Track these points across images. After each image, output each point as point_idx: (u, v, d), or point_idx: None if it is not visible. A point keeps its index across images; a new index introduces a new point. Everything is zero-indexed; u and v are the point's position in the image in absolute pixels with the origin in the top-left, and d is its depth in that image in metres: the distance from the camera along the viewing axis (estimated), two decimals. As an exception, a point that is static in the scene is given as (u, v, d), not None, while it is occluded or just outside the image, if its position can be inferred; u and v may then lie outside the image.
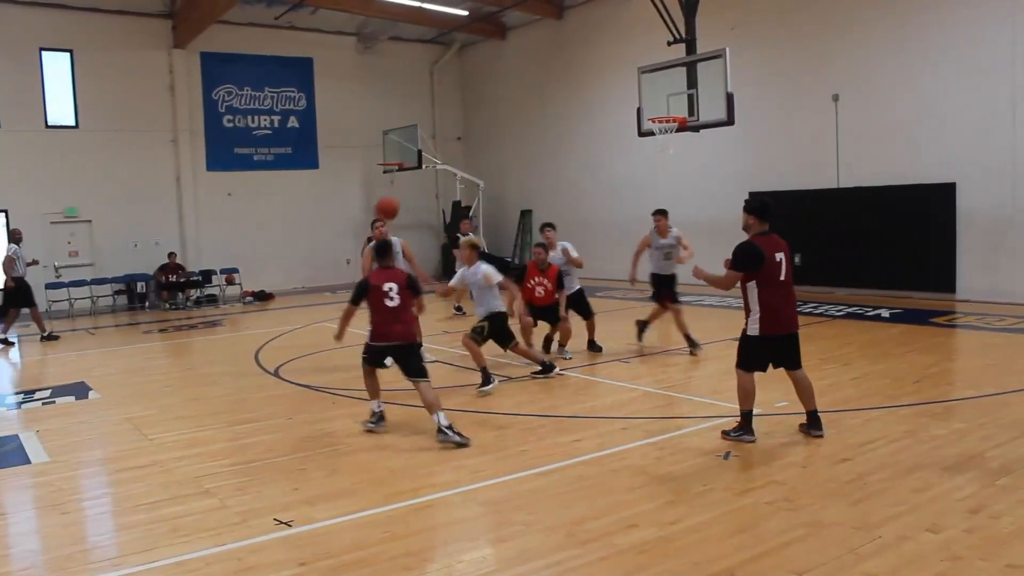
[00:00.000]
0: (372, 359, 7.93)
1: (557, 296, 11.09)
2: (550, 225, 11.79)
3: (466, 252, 9.69)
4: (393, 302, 7.63)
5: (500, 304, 9.71)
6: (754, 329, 6.86)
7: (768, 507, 5.53)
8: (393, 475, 6.62)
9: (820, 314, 14.19)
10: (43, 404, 10.04)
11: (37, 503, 6.55)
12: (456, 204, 25.20)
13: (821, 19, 17.06)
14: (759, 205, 7.06)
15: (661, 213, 11.55)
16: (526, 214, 25.16)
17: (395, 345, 7.70)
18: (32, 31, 20.24)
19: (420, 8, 21.52)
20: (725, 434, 7.05)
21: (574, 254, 11.46)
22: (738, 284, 6.96)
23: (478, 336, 9.47)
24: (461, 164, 25.78)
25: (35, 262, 16.24)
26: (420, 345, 8.30)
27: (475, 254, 9.61)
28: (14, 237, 16.02)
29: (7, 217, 19.96)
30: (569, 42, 23.14)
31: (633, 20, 20.00)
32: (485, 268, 9.52)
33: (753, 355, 6.96)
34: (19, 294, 15.60)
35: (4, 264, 15.58)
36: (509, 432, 7.76)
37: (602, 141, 22.19)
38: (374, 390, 8.03)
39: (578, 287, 11.65)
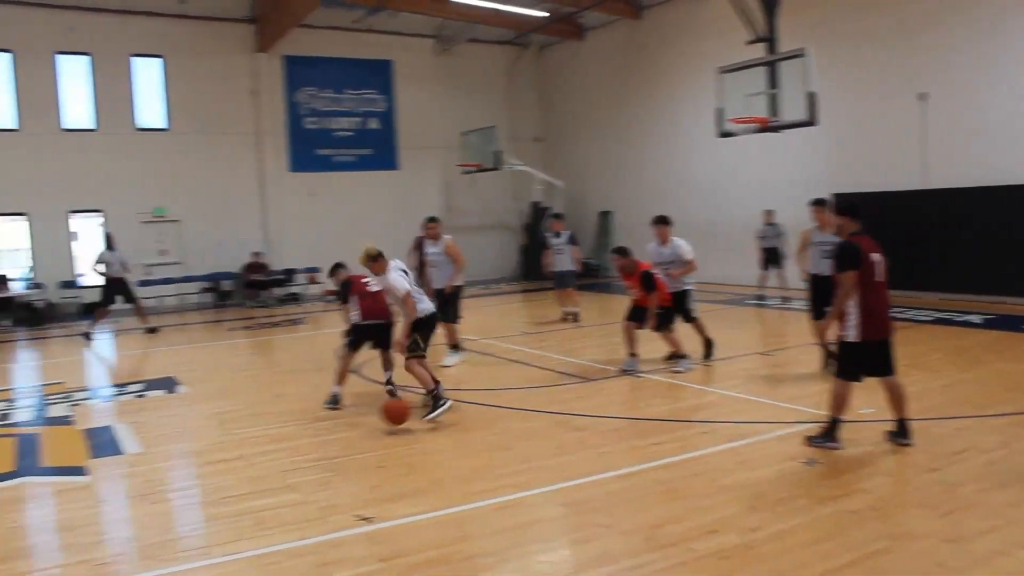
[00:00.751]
0: (357, 342, 9.19)
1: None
2: (662, 220, 10.96)
3: (370, 264, 8.60)
4: (373, 288, 9.04)
5: (428, 306, 8.84)
6: (853, 335, 6.67)
7: (853, 516, 5.40)
8: (472, 474, 6.66)
9: (906, 319, 13.81)
10: (135, 397, 10.37)
11: (130, 492, 6.77)
12: (535, 205, 25.28)
13: (907, 15, 16.61)
14: (850, 205, 6.94)
15: (819, 204, 9.97)
16: (606, 215, 25.08)
17: (377, 323, 9.12)
18: (124, 39, 20.99)
19: (497, 10, 21.61)
20: (809, 440, 6.91)
21: (687, 256, 10.68)
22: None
23: (415, 350, 8.53)
24: (539, 165, 25.81)
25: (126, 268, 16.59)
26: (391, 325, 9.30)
27: (379, 263, 8.57)
28: (108, 242, 16.65)
29: (103, 217, 20.71)
30: (647, 42, 22.99)
31: (712, 19, 19.78)
32: (392, 277, 8.53)
33: (854, 363, 6.80)
34: (115, 291, 16.25)
35: (95, 267, 16.37)
36: (588, 434, 7.74)
37: (682, 142, 21.99)
38: (343, 375, 9.20)
39: (685, 288, 10.79)
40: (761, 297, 17.21)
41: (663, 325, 10.43)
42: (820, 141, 17.56)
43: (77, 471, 7.21)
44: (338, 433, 8.11)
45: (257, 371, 12.71)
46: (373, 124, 24.63)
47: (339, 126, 24.15)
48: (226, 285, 22.24)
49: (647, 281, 10.25)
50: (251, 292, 21.67)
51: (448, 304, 11.42)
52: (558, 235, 15.61)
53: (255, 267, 21.85)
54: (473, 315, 16.12)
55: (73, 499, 6.55)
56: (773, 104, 14.36)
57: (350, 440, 7.83)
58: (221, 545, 5.38)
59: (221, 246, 22.05)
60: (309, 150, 23.70)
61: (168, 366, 12.52)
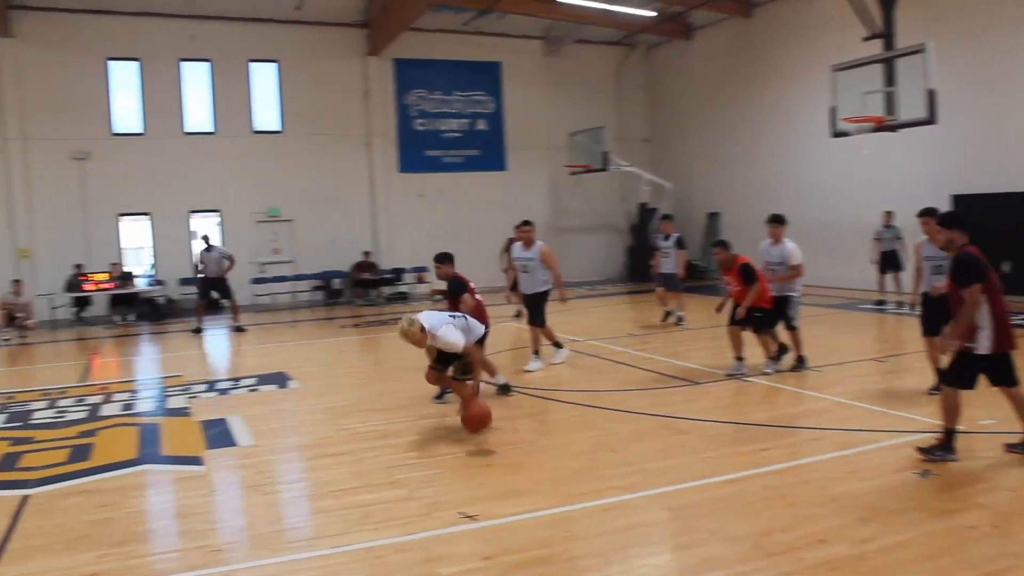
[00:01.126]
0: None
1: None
2: (776, 219, 10.63)
3: (414, 340, 7.87)
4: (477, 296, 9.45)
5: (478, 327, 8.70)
6: (986, 347, 6.39)
7: (972, 532, 5.18)
8: (576, 475, 6.64)
9: (1032, 326, 13.15)
10: (249, 391, 10.71)
11: (242, 483, 6.99)
12: (642, 206, 25.10)
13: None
14: (956, 217, 6.67)
15: (928, 214, 8.81)
16: (713, 216, 24.70)
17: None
18: (242, 45, 21.78)
19: (606, 10, 21.49)
20: (924, 451, 6.65)
21: (794, 261, 10.27)
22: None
23: (465, 373, 8.50)
24: (647, 166, 25.60)
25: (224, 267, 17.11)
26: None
27: (422, 337, 7.86)
28: (206, 244, 17.27)
29: (220, 217, 21.50)
30: (758, 40, 22.52)
31: (826, 15, 19.25)
32: (443, 335, 7.94)
33: (970, 373, 6.53)
34: (211, 287, 17.13)
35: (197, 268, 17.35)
36: (692, 438, 7.64)
37: (793, 142, 21.48)
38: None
39: (789, 295, 10.37)
40: (880, 302, 16.60)
41: (762, 326, 10.21)
42: (940, 140, 16.87)
43: (194, 461, 7.49)
44: (443, 431, 8.21)
45: (365, 368, 12.97)
46: (481, 125, 24.85)
47: (447, 127, 24.46)
48: (336, 283, 22.78)
49: (746, 273, 10.06)
50: (360, 290, 22.14)
51: (536, 309, 11.45)
52: (667, 237, 15.39)
53: (364, 266, 22.31)
54: (578, 316, 16.10)
55: (190, 487, 6.81)
56: (889, 102, 13.90)
57: (455, 438, 7.90)
58: (329, 537, 5.51)
59: (332, 245, 22.58)
60: (418, 151, 24.06)
61: (280, 362, 12.87)
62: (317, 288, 22.58)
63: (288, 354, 13.85)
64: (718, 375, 10.32)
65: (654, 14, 22.41)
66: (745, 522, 5.48)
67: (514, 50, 24.93)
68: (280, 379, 11.37)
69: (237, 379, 11.64)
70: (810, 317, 15.17)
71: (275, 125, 22.42)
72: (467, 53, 24.28)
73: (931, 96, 13.04)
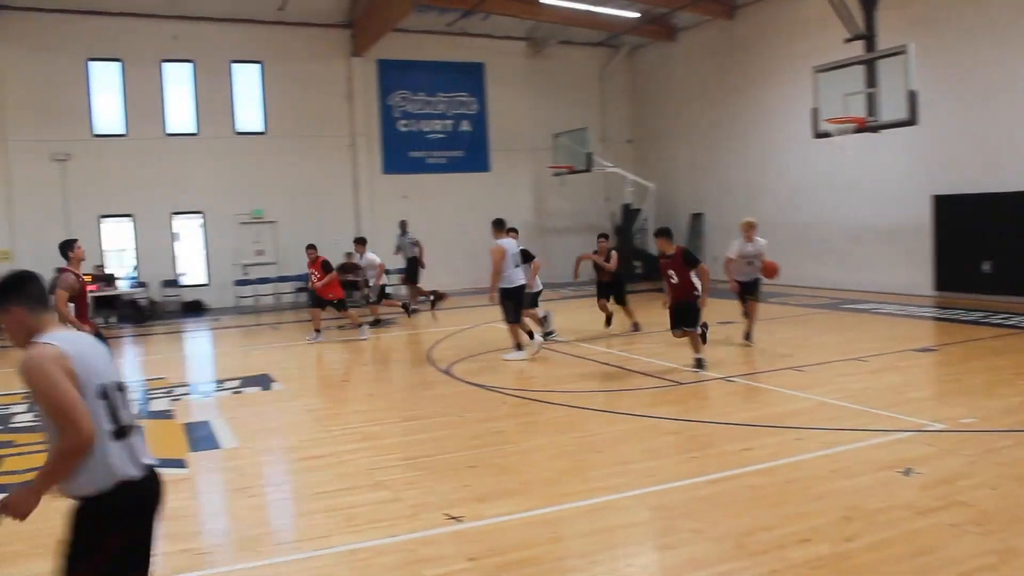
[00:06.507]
0: None
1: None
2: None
3: None
4: None
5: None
6: None
7: (953, 529, 5.20)
8: (562, 476, 6.64)
9: (1012, 326, 13.29)
10: (232, 394, 10.66)
11: (226, 486, 6.97)
12: (626, 207, 25.14)
13: (1018, 8, 15.89)
14: None
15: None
16: (697, 217, 24.74)
17: None
18: (225, 45, 21.69)
19: (590, 12, 21.53)
20: None
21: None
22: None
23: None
24: (631, 167, 25.62)
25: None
26: None
27: None
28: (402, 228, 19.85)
29: (203, 219, 21.38)
30: (741, 42, 22.57)
31: (808, 17, 19.33)
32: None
33: None
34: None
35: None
36: (678, 438, 7.66)
37: (776, 143, 21.54)
38: None
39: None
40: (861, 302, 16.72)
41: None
42: (921, 141, 16.94)
43: (177, 463, 7.44)
44: (428, 432, 8.20)
45: (349, 370, 12.92)
46: (465, 126, 24.84)
47: (431, 128, 24.44)
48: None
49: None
50: (344, 292, 21.98)
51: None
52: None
53: (348, 268, 22.18)
54: (562, 317, 16.08)
55: (173, 490, 6.67)
56: (872, 103, 13.98)
57: (440, 439, 7.90)
58: (313, 540, 5.49)
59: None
60: (402, 152, 24.04)
61: (264, 363, 12.82)
62: (300, 290, 22.45)
63: (272, 356, 13.78)
64: (705, 375, 10.35)
65: (637, 15, 22.48)
66: (729, 521, 5.49)
67: (498, 51, 24.91)
68: (264, 381, 11.31)
69: (220, 381, 11.59)
70: (794, 317, 15.28)
71: (258, 126, 22.34)
72: (451, 54, 24.26)
73: (912, 97, 13.13)
